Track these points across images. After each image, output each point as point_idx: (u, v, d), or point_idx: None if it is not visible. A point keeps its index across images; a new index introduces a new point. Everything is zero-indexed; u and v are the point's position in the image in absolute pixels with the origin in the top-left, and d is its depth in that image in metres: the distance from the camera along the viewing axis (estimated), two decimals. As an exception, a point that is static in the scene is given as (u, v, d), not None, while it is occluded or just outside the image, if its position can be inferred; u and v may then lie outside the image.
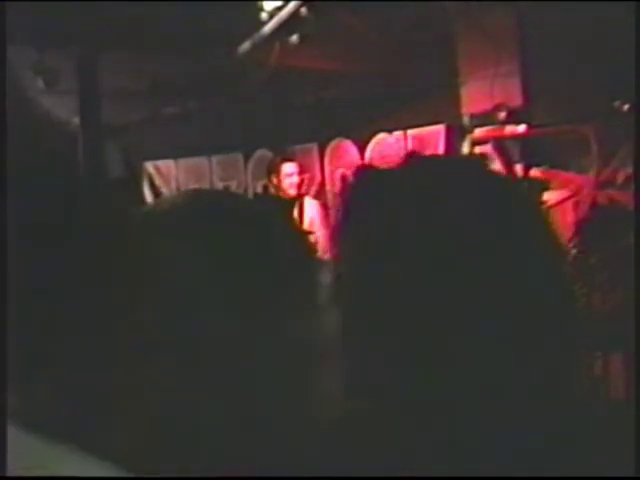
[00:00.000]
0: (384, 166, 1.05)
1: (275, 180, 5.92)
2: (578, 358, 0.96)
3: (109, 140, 6.37)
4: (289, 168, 5.89)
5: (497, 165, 5.23)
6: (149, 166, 7.68)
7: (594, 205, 5.04)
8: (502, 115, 5.50)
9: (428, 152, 6.14)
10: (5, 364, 0.87)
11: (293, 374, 0.97)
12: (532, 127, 5.46)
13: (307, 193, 6.25)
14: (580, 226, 5.00)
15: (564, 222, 5.13)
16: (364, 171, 1.04)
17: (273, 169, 6.01)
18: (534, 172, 5.28)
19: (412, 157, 1.03)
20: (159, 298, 0.93)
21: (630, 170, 4.93)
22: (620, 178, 5.04)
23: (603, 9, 4.60)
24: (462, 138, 5.80)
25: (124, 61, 5.76)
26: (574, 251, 4.90)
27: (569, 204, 5.11)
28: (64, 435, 0.85)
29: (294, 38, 5.22)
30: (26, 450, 0.83)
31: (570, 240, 4.97)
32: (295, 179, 5.85)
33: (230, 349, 0.94)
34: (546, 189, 5.16)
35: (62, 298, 0.89)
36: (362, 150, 6.63)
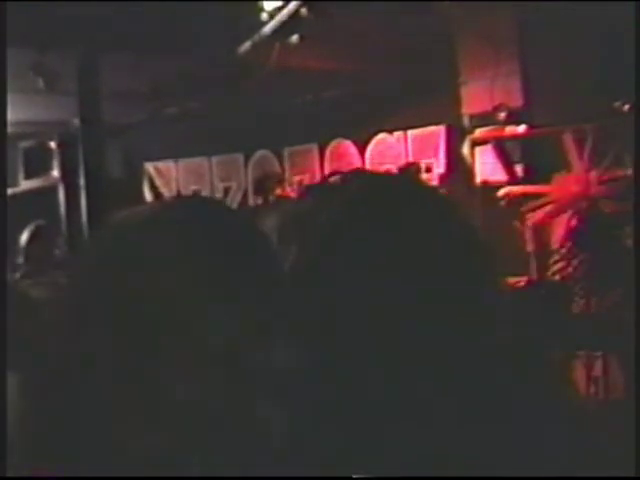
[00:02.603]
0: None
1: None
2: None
3: (109, 141, 6.37)
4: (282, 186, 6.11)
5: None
6: (149, 167, 7.69)
7: (588, 209, 5.07)
8: (502, 115, 5.49)
9: (429, 153, 6.16)
10: (5, 364, 0.86)
11: None
12: (532, 127, 5.46)
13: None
14: (574, 231, 5.02)
15: (558, 228, 5.17)
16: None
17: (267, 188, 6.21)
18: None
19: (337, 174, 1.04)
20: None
21: (624, 170, 4.94)
22: (613, 178, 5.05)
23: (603, 9, 4.60)
24: (462, 138, 5.81)
25: (124, 62, 5.74)
26: (569, 256, 4.94)
27: (562, 210, 5.14)
28: None
29: (294, 38, 5.21)
30: None
31: (563, 245, 5.01)
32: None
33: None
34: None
35: None
36: (362, 150, 6.61)
